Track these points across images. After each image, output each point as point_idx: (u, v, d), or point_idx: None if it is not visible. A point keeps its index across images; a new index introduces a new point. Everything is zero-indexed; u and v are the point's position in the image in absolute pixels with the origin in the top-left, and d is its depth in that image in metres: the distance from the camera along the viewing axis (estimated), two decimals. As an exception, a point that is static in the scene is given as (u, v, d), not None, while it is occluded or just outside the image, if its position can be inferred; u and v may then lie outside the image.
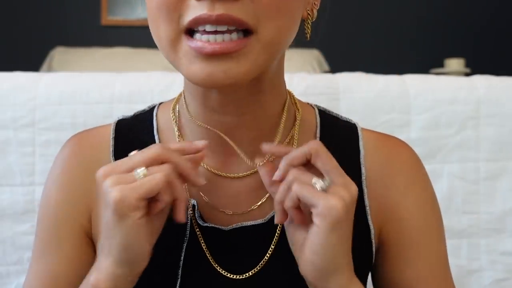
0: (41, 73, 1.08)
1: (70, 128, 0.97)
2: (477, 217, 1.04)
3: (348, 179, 0.49)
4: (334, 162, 0.49)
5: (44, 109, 0.99)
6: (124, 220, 0.44)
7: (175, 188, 0.46)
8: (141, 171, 0.45)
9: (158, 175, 0.45)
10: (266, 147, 0.51)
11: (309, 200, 0.46)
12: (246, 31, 0.45)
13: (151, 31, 0.51)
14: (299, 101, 0.63)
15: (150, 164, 0.46)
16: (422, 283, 0.58)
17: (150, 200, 0.46)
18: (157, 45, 0.51)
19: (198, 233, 0.56)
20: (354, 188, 0.48)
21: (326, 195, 0.46)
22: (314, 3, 0.56)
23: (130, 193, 0.44)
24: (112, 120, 0.65)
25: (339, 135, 0.61)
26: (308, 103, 0.65)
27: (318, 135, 0.61)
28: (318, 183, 0.47)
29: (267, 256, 0.55)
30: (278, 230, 0.56)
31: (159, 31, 0.48)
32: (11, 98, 0.99)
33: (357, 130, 0.63)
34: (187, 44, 0.45)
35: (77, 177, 0.59)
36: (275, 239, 0.55)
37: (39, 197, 0.98)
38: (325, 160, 0.48)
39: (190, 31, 0.46)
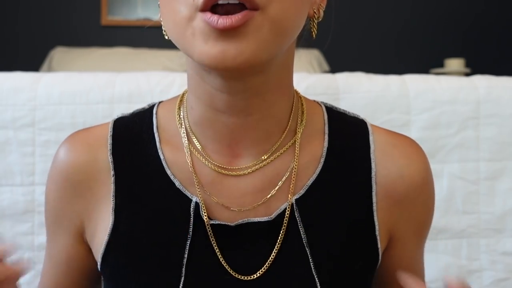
0: (41, 73, 1.08)
1: (70, 128, 0.97)
2: (477, 217, 1.04)
3: None
4: None
5: (44, 109, 0.99)
6: None
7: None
8: None
9: None
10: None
11: None
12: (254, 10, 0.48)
13: (164, 18, 0.52)
14: (306, 100, 0.63)
15: None
16: (405, 266, 0.61)
17: None
18: (171, 32, 0.51)
19: (202, 231, 0.56)
20: None
21: None
22: (320, 4, 0.57)
23: None
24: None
25: (348, 131, 0.61)
26: (315, 101, 0.65)
27: (326, 131, 0.60)
28: None
29: (273, 255, 0.55)
30: (284, 226, 0.56)
31: (175, 13, 0.49)
32: (11, 98, 0.99)
33: (366, 125, 0.63)
34: (201, 19, 0.47)
35: (73, 177, 0.60)
36: (281, 236, 0.55)
37: (39, 197, 0.99)
38: None
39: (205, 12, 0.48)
